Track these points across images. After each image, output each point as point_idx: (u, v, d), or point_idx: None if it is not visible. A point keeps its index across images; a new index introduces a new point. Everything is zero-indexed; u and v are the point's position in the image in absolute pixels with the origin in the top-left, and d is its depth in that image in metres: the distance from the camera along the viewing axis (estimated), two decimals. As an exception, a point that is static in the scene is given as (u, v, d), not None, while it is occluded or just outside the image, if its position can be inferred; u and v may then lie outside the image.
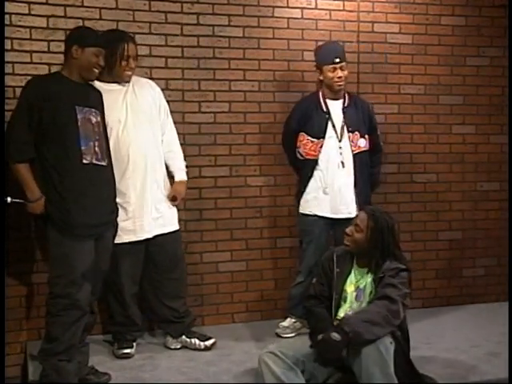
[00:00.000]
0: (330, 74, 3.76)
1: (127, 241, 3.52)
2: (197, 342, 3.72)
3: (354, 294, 3.07)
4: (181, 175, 3.70)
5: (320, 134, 3.77)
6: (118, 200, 3.42)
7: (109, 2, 3.83)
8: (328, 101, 3.82)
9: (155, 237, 3.59)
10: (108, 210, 3.27)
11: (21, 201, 3.10)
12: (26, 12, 3.65)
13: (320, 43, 4.03)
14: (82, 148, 3.09)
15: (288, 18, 4.21)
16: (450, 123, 4.60)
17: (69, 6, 3.74)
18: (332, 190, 3.78)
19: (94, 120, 3.18)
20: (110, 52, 3.39)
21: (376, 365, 2.75)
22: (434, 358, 3.52)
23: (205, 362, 3.55)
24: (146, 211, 3.54)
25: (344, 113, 3.81)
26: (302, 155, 3.84)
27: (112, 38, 3.46)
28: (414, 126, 4.51)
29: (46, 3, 3.69)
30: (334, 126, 3.78)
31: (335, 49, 3.85)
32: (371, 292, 3.03)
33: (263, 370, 2.89)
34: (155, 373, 3.42)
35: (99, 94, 3.33)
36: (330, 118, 3.78)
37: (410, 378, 2.99)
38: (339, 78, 3.76)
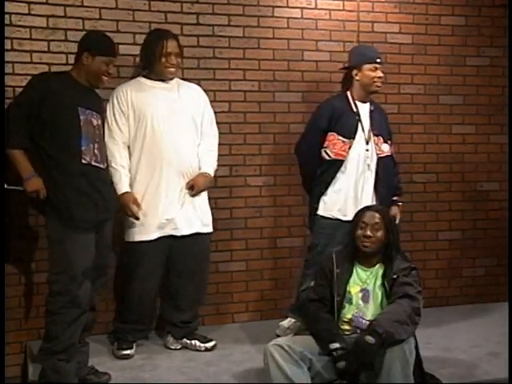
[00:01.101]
0: (371, 74, 3.71)
1: (153, 238, 3.52)
2: (197, 343, 3.72)
3: (360, 295, 3.06)
4: (207, 168, 3.64)
5: (351, 135, 3.72)
6: (147, 196, 3.49)
7: (109, 1, 3.83)
8: (357, 102, 3.77)
9: (184, 237, 3.58)
10: (106, 207, 3.26)
11: (17, 188, 3.11)
12: (26, 12, 3.64)
13: (354, 44, 4.02)
14: (82, 148, 3.11)
15: (288, 18, 4.21)
16: (449, 123, 4.60)
17: (69, 5, 3.74)
18: (357, 194, 3.74)
19: (95, 123, 3.21)
20: (150, 51, 3.51)
21: (399, 364, 2.77)
22: (435, 358, 3.52)
23: (205, 362, 3.55)
24: (176, 209, 3.55)
25: (371, 116, 3.78)
26: (329, 155, 3.72)
27: (152, 37, 3.57)
28: (414, 125, 4.51)
29: (46, 3, 3.69)
30: (362, 129, 3.74)
31: (374, 50, 3.84)
32: (382, 294, 3.03)
33: (269, 362, 2.86)
34: (155, 373, 3.43)
35: (101, 99, 3.38)
36: (359, 119, 3.75)
37: (419, 377, 3.00)
38: (379, 78, 3.73)
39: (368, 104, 3.81)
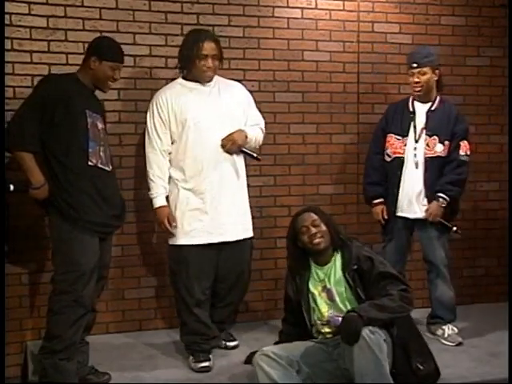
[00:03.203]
0: (410, 79, 3.81)
1: (201, 243, 3.46)
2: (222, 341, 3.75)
3: (324, 294, 3.09)
4: (246, 128, 3.58)
5: (404, 133, 3.79)
6: (196, 201, 3.44)
7: (109, 1, 3.84)
8: (416, 103, 3.85)
9: (230, 243, 3.54)
10: (114, 212, 3.26)
11: (23, 188, 3.10)
12: (26, 12, 3.65)
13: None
14: (89, 150, 3.13)
15: (288, 18, 4.21)
16: (450, 123, 4.59)
17: (69, 6, 3.74)
18: (409, 190, 3.79)
19: (99, 126, 3.23)
20: (186, 53, 3.45)
21: (369, 365, 2.74)
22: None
23: (204, 362, 3.56)
24: (224, 215, 3.50)
25: (428, 116, 3.80)
26: (389, 155, 3.84)
27: (188, 38, 3.50)
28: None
29: (46, 3, 3.69)
30: (414, 127, 3.79)
31: (414, 54, 3.86)
32: (345, 287, 3.04)
33: (257, 372, 2.90)
34: (155, 373, 3.43)
35: (101, 102, 3.40)
36: (413, 118, 3.80)
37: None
38: (416, 83, 3.77)
39: (429, 104, 3.83)
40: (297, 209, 4.24)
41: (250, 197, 4.14)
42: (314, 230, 3.11)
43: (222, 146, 3.47)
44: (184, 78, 3.55)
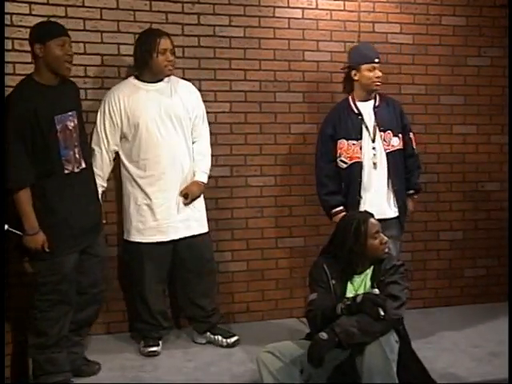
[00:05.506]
0: (369, 74, 3.70)
1: (153, 241, 3.59)
2: (219, 338, 3.79)
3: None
4: (200, 177, 3.70)
5: (358, 136, 3.71)
6: (144, 201, 3.55)
7: (110, 2, 3.84)
8: (358, 103, 3.76)
9: (184, 238, 3.63)
10: (90, 220, 3.24)
11: (18, 232, 3.05)
12: (27, 12, 3.64)
13: (354, 44, 4.07)
14: (63, 158, 3.07)
15: (289, 18, 4.21)
16: (450, 123, 4.59)
17: (69, 6, 3.74)
18: (368, 192, 3.71)
19: (71, 125, 3.12)
20: (145, 50, 3.48)
21: (379, 364, 2.74)
22: (434, 358, 3.52)
23: (205, 362, 3.56)
24: (173, 213, 3.58)
25: (375, 113, 3.74)
26: (345, 162, 3.71)
27: (144, 37, 3.55)
28: (415, 126, 4.46)
29: (47, 3, 3.69)
30: (366, 127, 3.71)
31: (374, 49, 3.83)
32: None
33: (261, 369, 2.88)
34: (155, 373, 3.44)
35: (73, 88, 3.28)
36: (362, 119, 3.72)
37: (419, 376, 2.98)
38: (378, 77, 3.71)
39: (371, 101, 3.77)
40: (297, 209, 4.29)
41: (250, 197, 4.20)
42: (385, 238, 3.04)
43: (185, 197, 3.60)
44: (137, 78, 3.60)
